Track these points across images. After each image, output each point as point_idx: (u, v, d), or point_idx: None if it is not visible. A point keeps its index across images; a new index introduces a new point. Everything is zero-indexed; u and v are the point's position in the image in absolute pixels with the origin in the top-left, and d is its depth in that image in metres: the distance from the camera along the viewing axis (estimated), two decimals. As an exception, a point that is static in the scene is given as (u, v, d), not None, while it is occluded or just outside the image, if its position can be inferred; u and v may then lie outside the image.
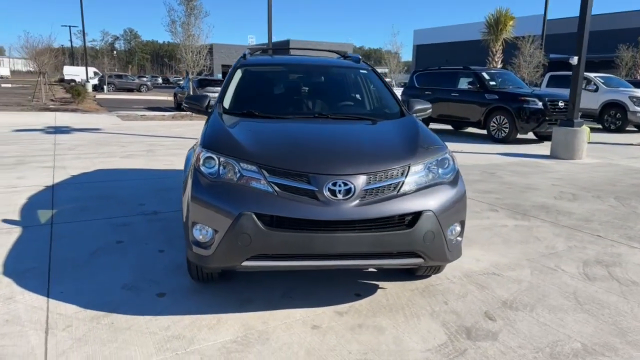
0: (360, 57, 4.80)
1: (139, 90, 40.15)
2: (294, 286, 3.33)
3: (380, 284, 3.44)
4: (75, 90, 22.19)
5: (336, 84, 4.50)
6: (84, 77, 39.55)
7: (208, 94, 3.58)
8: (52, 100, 23.27)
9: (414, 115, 4.00)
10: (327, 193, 2.67)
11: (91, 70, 44.66)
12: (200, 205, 2.74)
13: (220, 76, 52.63)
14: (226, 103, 3.83)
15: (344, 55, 4.95)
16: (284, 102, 4.15)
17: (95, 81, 40.33)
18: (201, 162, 2.88)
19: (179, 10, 16.76)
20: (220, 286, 3.30)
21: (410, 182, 2.85)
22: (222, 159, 2.84)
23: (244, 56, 4.51)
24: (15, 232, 4.28)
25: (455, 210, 2.95)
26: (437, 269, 3.42)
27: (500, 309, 3.09)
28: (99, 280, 3.36)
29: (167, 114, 18.46)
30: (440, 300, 3.21)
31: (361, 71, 4.44)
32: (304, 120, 3.67)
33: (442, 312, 3.03)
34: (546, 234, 4.63)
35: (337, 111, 3.90)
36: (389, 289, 3.35)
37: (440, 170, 3.02)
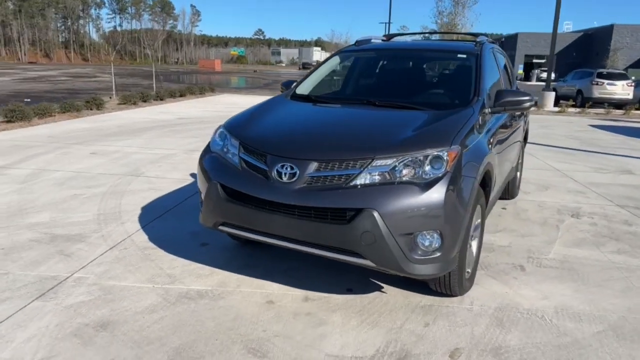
0: (486, 40, 4.22)
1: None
2: (302, 267, 3.42)
3: (386, 287, 3.18)
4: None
5: (421, 70, 4.13)
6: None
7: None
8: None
9: (502, 108, 3.41)
10: (274, 174, 2.72)
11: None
12: (199, 172, 3.18)
13: (521, 67, 49.08)
14: (300, 87, 4.06)
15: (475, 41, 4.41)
16: (350, 88, 4.09)
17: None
18: (215, 136, 3.29)
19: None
20: (242, 250, 3.68)
21: (367, 176, 2.58)
22: (227, 136, 3.18)
23: (356, 43, 4.59)
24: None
25: (422, 216, 2.51)
26: (451, 288, 2.92)
27: None
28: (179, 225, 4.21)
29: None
30: (422, 321, 2.78)
31: (459, 55, 3.94)
32: (345, 106, 3.59)
33: (406, 333, 2.65)
34: None
35: (390, 99, 3.64)
36: (387, 294, 3.08)
37: (427, 168, 2.60)
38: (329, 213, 2.58)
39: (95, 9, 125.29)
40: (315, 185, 2.62)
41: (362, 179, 2.57)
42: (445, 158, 2.63)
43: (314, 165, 2.65)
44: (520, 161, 5.48)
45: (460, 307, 2.95)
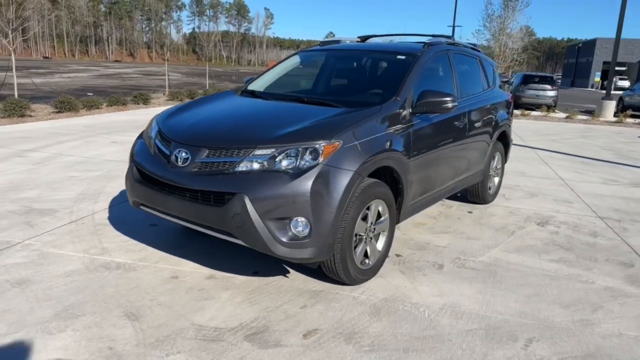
0: (443, 41, 4.29)
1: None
2: (226, 250, 3.67)
3: (292, 273, 3.37)
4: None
5: (359, 70, 4.25)
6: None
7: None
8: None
9: (423, 109, 3.49)
10: (172, 158, 3.00)
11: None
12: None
13: (599, 75, 45.63)
14: (254, 83, 4.32)
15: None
16: (294, 84, 4.27)
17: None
18: (149, 124, 3.63)
19: (495, 3, 16.26)
20: (184, 232, 4.00)
21: (247, 163, 2.80)
22: (154, 124, 3.51)
23: (320, 43, 4.78)
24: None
25: (290, 203, 2.69)
26: (338, 275, 3.07)
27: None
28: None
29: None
30: (301, 303, 2.95)
31: (397, 57, 4.01)
32: (273, 100, 3.78)
33: (279, 312, 2.84)
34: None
35: (318, 96, 3.79)
36: (287, 279, 3.27)
37: (303, 159, 2.77)
38: (211, 196, 2.83)
39: (176, 12, 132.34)
40: (204, 170, 2.87)
41: (243, 167, 2.79)
42: (320, 150, 2.78)
43: (205, 152, 2.90)
44: (497, 166, 5.40)
45: (348, 294, 3.08)
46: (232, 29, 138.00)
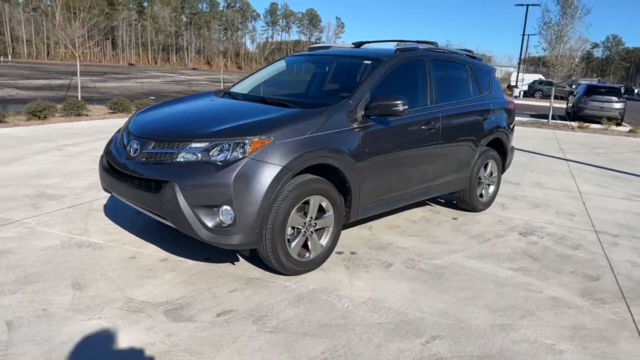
0: (420, 47, 4.38)
1: (564, 98, 38.08)
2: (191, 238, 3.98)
3: (241, 261, 3.60)
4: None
5: (331, 74, 4.39)
6: (524, 82, 41.26)
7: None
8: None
9: (374, 112, 3.62)
10: (127, 149, 3.36)
11: (536, 76, 45.55)
12: None
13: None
14: (237, 86, 4.62)
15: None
16: (270, 86, 4.50)
17: (525, 87, 41.06)
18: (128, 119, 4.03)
19: (554, 11, 15.60)
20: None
21: (184, 155, 3.08)
22: (130, 119, 3.90)
23: (309, 49, 5.00)
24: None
25: (216, 192, 2.94)
26: (272, 264, 3.28)
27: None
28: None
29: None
30: (232, 288, 3.18)
31: (364, 62, 4.14)
32: (240, 100, 4.04)
33: (207, 293, 3.08)
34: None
35: (281, 97, 4.01)
36: (234, 266, 3.51)
37: (232, 152, 3.01)
38: (151, 183, 3.13)
39: (251, 22, 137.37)
40: (149, 160, 3.19)
41: (180, 158, 3.08)
42: (247, 146, 3.01)
43: (151, 144, 3.22)
44: (493, 174, 5.31)
45: (281, 283, 3.26)
46: (303, 38, 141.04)
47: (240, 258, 3.64)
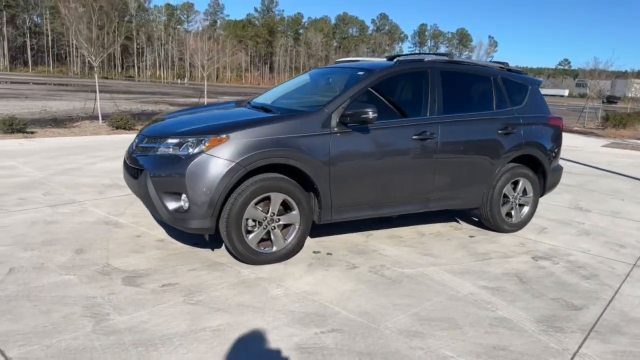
0: (426, 59, 4.42)
1: None
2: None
3: (222, 249, 4.05)
4: (616, 117, 20.89)
5: (331, 85, 4.56)
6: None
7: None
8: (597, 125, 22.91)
9: (347, 119, 3.83)
10: (133, 144, 4.04)
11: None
12: None
13: None
14: (260, 97, 5.11)
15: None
16: (289, 97, 4.85)
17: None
18: None
19: None
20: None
21: (161, 149, 3.64)
22: None
23: (335, 62, 5.30)
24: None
25: (174, 181, 3.44)
26: (232, 252, 3.68)
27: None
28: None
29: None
30: (193, 267, 3.64)
31: (358, 73, 4.29)
32: (244, 108, 4.48)
33: (166, 269, 3.58)
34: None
35: (276, 104, 4.38)
36: (212, 252, 3.97)
37: (195, 148, 3.49)
38: (135, 171, 3.76)
39: (398, 43, 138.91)
40: (140, 153, 3.82)
41: (158, 151, 3.65)
42: (205, 142, 3.46)
43: (144, 140, 3.86)
44: (528, 194, 4.96)
45: (237, 269, 3.61)
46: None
47: (222, 246, 4.07)
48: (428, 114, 4.29)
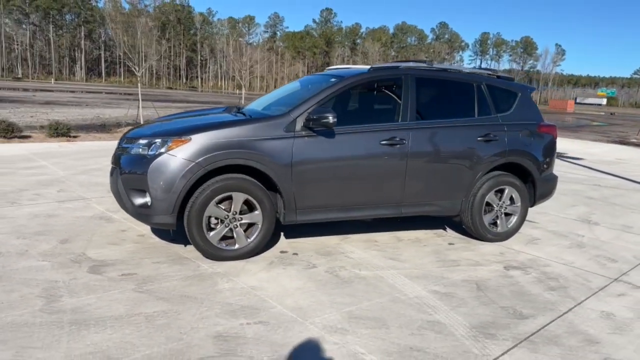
0: (401, 65, 4.49)
1: None
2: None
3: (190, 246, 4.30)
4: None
5: (309, 90, 4.68)
6: None
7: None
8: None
9: (309, 123, 3.97)
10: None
11: None
12: None
13: None
14: (252, 102, 5.34)
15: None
16: (267, 103, 5.03)
17: None
18: None
19: None
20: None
21: (134, 148, 3.93)
22: None
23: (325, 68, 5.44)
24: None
25: (137, 178, 3.73)
26: (193, 245, 3.92)
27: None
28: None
29: None
30: (158, 260, 3.90)
31: (331, 79, 4.40)
32: (225, 113, 4.72)
33: (133, 259, 3.87)
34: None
35: (252, 110, 4.57)
36: (184, 247, 4.23)
37: (160, 148, 3.76)
38: (113, 169, 4.08)
39: (458, 52, 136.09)
40: (119, 153, 4.14)
41: (132, 151, 3.96)
42: (168, 143, 3.72)
43: (124, 141, 4.18)
44: (517, 203, 4.86)
45: (198, 263, 3.83)
46: (515, 66, 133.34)
47: (195, 242, 4.29)
48: (400, 120, 4.34)
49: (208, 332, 2.81)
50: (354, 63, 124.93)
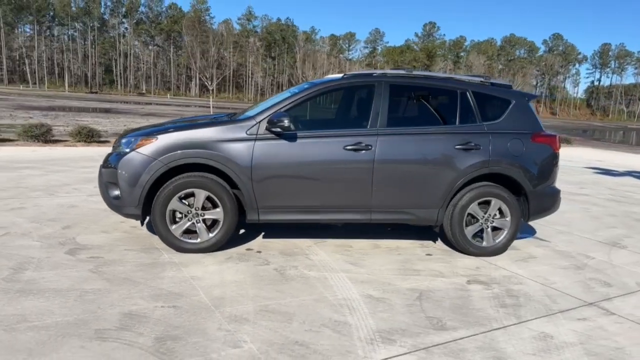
0: (376, 73, 4.54)
1: None
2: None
3: (170, 237, 4.68)
4: None
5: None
6: None
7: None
8: None
9: (269, 125, 4.20)
10: (117, 145, 4.94)
11: None
12: None
13: None
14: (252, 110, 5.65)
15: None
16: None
17: None
18: None
19: None
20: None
21: (117, 147, 4.42)
22: None
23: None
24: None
25: (110, 173, 4.20)
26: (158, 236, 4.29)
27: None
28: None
29: None
30: (131, 248, 4.32)
31: (305, 85, 4.54)
32: (215, 117, 5.06)
33: (111, 247, 4.33)
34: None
35: (242, 113, 4.87)
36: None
37: (131, 147, 4.19)
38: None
39: (574, 65, 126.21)
40: (112, 150, 4.66)
41: (117, 149, 4.45)
42: (136, 142, 4.14)
43: (117, 140, 4.71)
44: (507, 217, 4.61)
45: (162, 254, 4.17)
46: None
47: (175, 236, 4.67)
48: (368, 126, 4.36)
49: (121, 310, 3.10)
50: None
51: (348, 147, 4.27)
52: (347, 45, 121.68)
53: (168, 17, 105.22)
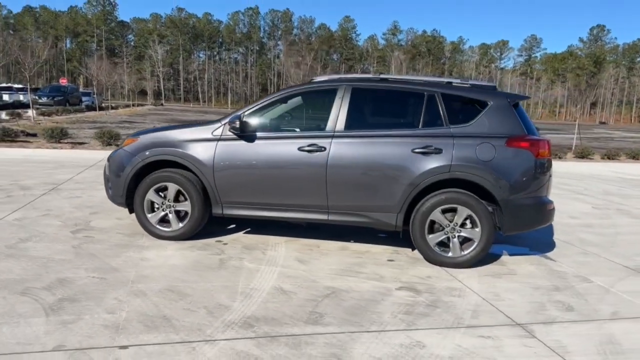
0: (343, 77, 4.66)
1: None
2: (186, 212, 5.94)
3: (164, 226, 5.35)
4: None
5: None
6: None
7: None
8: None
9: (229, 126, 4.62)
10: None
11: None
12: None
13: None
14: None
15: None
16: None
17: None
18: None
19: None
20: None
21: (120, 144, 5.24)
22: None
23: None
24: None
25: (107, 166, 4.99)
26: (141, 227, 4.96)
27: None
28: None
29: None
30: (122, 234, 5.06)
31: (281, 90, 4.80)
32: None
33: (105, 230, 5.12)
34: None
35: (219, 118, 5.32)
36: (155, 227, 5.32)
37: (123, 144, 4.98)
38: None
39: None
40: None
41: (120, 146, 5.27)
42: (124, 141, 4.88)
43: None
44: (474, 226, 4.34)
45: (140, 238, 4.83)
46: None
47: (168, 225, 5.31)
48: (326, 129, 4.48)
49: (60, 276, 3.75)
50: (632, 85, 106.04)
51: (302, 149, 4.44)
52: (498, 54, 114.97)
53: (317, 38, 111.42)
